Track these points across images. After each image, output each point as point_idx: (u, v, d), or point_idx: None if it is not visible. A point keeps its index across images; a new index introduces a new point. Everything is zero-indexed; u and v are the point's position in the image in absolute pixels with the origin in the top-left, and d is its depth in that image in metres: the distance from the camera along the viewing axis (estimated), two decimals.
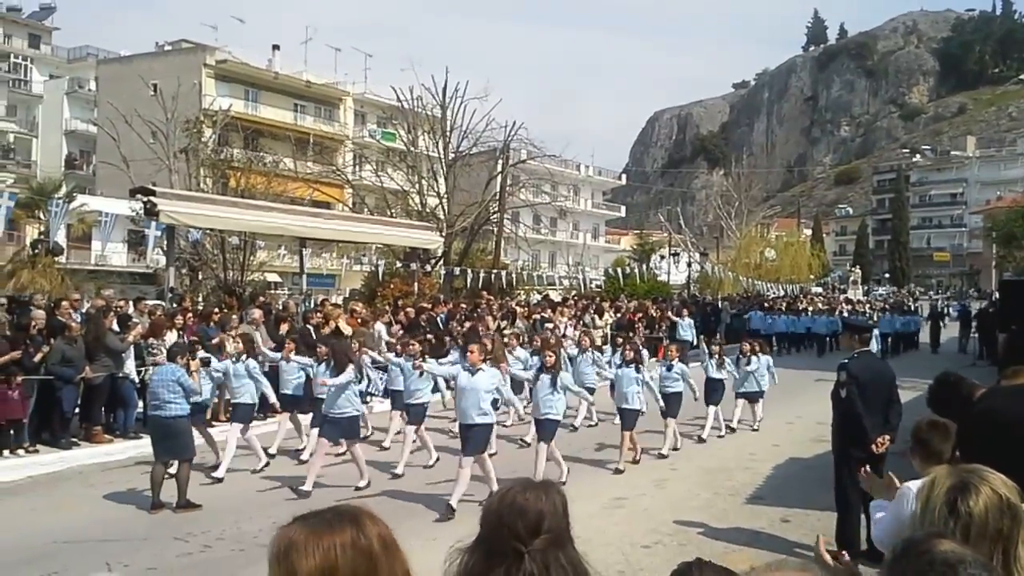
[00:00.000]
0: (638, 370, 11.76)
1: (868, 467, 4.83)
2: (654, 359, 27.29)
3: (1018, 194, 61.15)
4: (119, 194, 29.13)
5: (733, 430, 14.22)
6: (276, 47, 55.14)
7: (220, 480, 10.42)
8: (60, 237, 25.90)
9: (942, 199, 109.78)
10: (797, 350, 30.79)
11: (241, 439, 11.05)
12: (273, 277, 34.65)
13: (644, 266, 46.52)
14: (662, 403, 12.32)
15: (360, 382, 10.35)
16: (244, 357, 11.42)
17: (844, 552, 2.75)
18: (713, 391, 14.09)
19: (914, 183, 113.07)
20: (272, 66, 53.41)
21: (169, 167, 29.96)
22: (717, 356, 14.53)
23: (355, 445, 10.24)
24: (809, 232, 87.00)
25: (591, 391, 13.43)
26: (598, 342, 25.64)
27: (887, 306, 39.86)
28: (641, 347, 14.93)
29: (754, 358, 14.65)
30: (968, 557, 1.78)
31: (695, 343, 23.38)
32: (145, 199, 16.70)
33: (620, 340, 15.75)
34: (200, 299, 20.65)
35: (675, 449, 12.52)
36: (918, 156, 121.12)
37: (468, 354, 9.64)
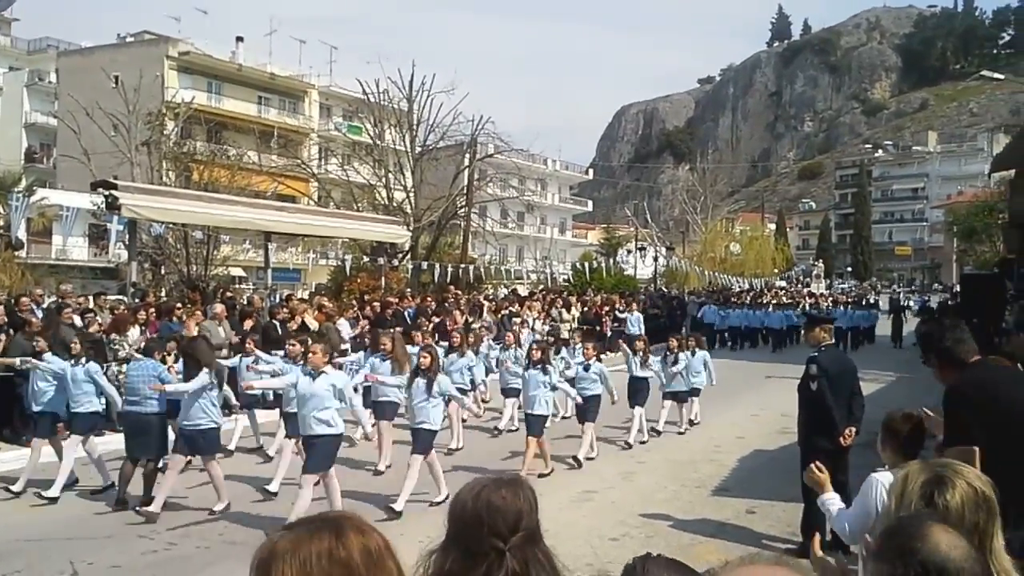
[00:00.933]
0: (545, 372, 10.81)
1: (816, 462, 4.82)
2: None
3: (979, 189, 62.14)
4: (80, 188, 28.69)
5: (658, 433, 13.31)
6: (240, 39, 54.67)
7: (54, 500, 9.25)
8: (20, 231, 25.44)
9: (904, 194, 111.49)
10: (753, 345, 30.50)
11: (82, 453, 9.86)
12: (238, 272, 34.34)
13: (611, 260, 46.72)
14: (571, 408, 12.04)
15: (214, 388, 8.97)
16: (84, 360, 9.94)
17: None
18: (636, 391, 12.97)
19: (876, 178, 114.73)
20: (236, 58, 52.88)
21: (131, 160, 29.51)
22: (642, 353, 13.38)
23: (211, 462, 8.95)
24: (773, 227, 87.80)
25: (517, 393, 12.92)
26: (564, 335, 25.88)
27: (848, 300, 40.14)
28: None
29: (683, 355, 13.55)
30: (962, 545, 1.79)
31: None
32: (106, 193, 16.44)
33: (550, 340, 14.85)
34: (163, 294, 20.36)
35: (589, 458, 11.42)
36: (880, 151, 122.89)
37: (310, 355, 8.57)
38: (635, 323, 25.51)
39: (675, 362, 13.41)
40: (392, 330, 12.91)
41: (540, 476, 10.19)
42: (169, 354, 10.29)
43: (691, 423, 14.13)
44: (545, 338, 17.74)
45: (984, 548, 2.15)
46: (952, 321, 4.73)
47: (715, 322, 30.06)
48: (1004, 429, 3.22)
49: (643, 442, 12.66)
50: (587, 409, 11.59)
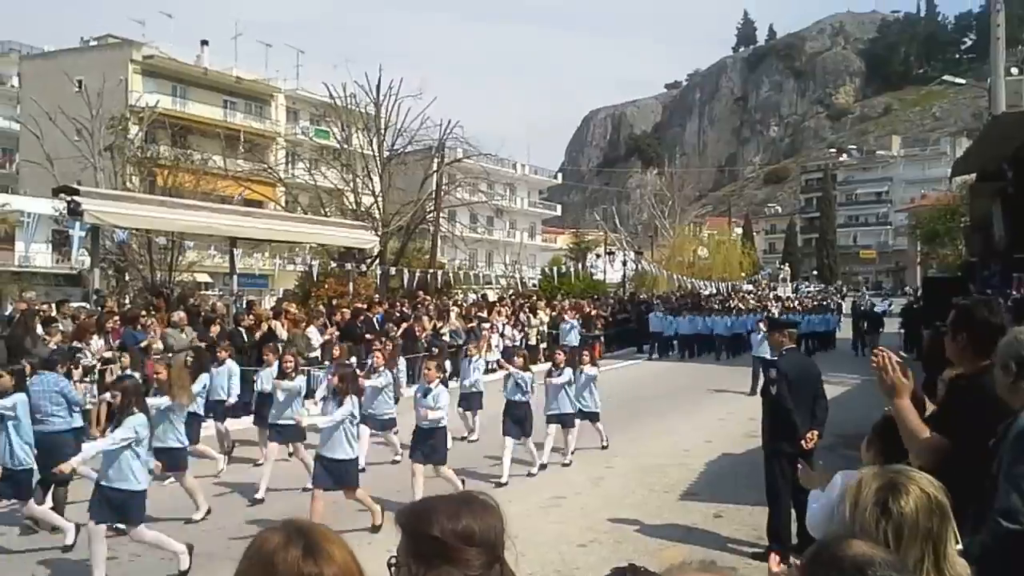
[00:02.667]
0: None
1: (802, 461, 4.81)
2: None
3: (941, 193, 63.09)
4: (43, 193, 28.30)
5: (544, 466, 11.30)
6: (205, 42, 54.22)
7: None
8: None
9: (868, 198, 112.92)
10: (708, 351, 28.80)
11: None
12: (203, 278, 33.99)
13: (580, 265, 46.86)
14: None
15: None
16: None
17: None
18: (515, 421, 10.89)
19: (841, 182, 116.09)
20: (201, 62, 52.42)
21: (94, 165, 29.18)
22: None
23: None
24: (740, 231, 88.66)
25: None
26: (532, 340, 25.89)
27: (807, 304, 39.82)
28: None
29: (567, 370, 11.58)
30: (878, 558, 1.80)
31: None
32: (69, 198, 16.22)
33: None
34: (127, 301, 20.12)
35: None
36: (845, 156, 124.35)
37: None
38: (569, 331, 24.21)
39: (560, 375, 11.51)
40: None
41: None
42: (77, 366, 9.88)
43: (578, 451, 12.06)
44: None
45: (938, 554, 2.17)
46: (996, 303, 4.33)
47: (661, 330, 29.01)
48: (986, 437, 3.24)
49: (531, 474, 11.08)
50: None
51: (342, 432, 8.26)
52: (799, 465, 4.80)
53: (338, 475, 8.30)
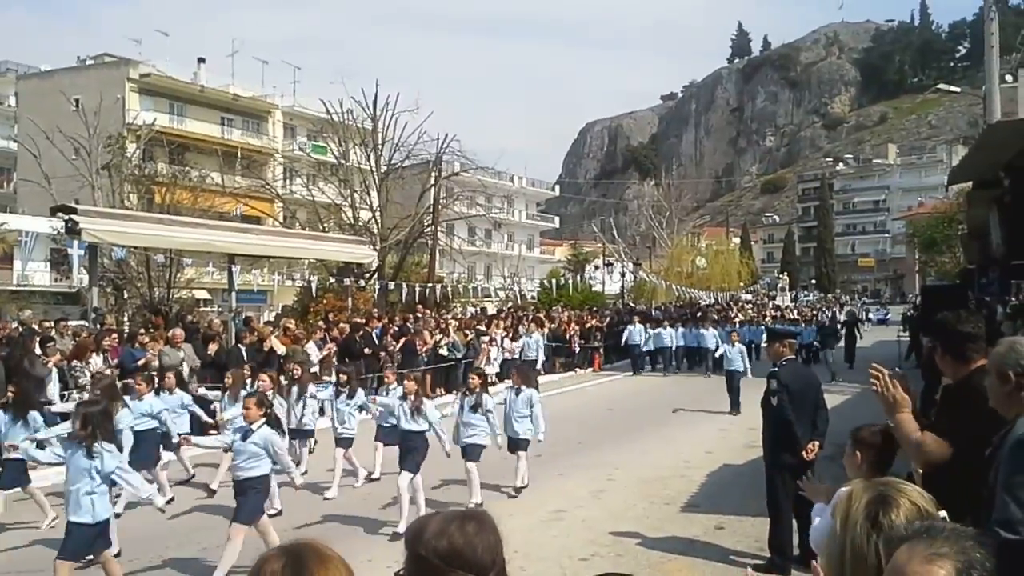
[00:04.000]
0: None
1: (809, 473, 4.81)
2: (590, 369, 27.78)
3: (938, 200, 63.16)
4: (40, 212, 28.32)
5: (479, 504, 9.47)
6: (202, 60, 54.42)
7: None
8: None
9: (865, 206, 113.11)
10: (694, 365, 27.18)
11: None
12: (202, 294, 34.00)
13: (579, 276, 46.86)
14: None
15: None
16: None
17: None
18: (409, 450, 9.41)
19: (838, 191, 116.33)
20: (197, 79, 52.57)
21: (92, 184, 29.20)
22: (412, 398, 9.66)
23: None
24: (738, 240, 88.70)
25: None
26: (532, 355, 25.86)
27: (806, 314, 39.16)
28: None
29: (486, 396, 10.36)
30: None
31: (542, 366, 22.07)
32: (66, 217, 16.21)
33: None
34: (125, 319, 20.11)
35: None
36: (841, 164, 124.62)
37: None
38: (533, 347, 22.23)
39: (474, 407, 10.12)
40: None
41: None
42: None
43: (515, 489, 10.78)
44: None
45: None
46: (968, 312, 4.47)
47: (640, 343, 27.14)
48: (983, 442, 3.25)
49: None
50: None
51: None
52: (805, 477, 4.81)
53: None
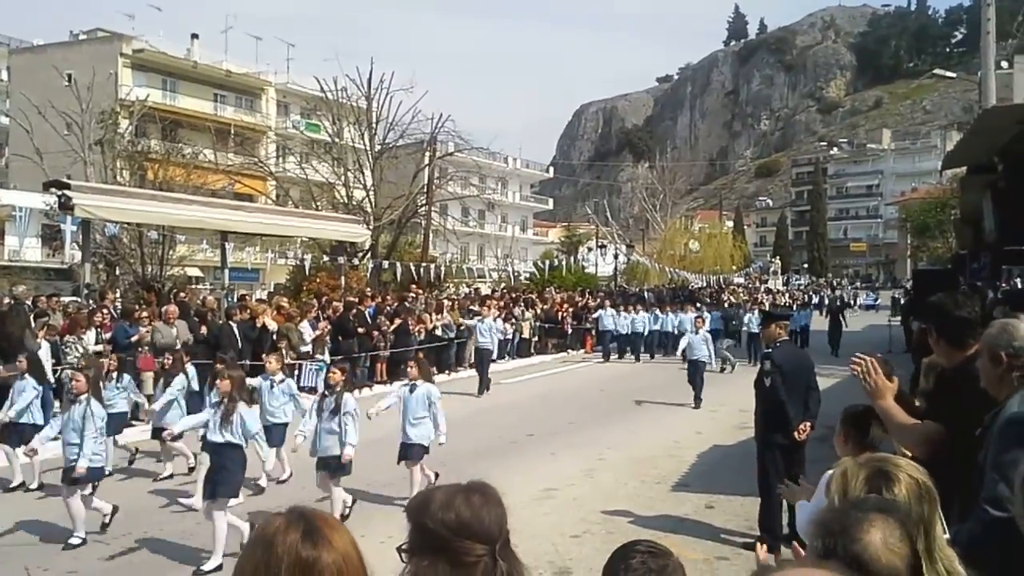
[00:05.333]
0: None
1: (786, 482, 4.83)
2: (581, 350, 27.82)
3: (931, 186, 63.30)
4: (33, 188, 28.20)
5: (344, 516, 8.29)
6: (195, 36, 54.00)
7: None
8: None
9: (858, 191, 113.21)
10: (665, 352, 25.75)
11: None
12: (194, 272, 33.92)
13: (572, 258, 46.90)
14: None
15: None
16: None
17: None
18: (217, 469, 7.60)
19: (832, 175, 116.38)
20: (191, 55, 52.22)
21: (84, 159, 29.09)
22: (227, 401, 7.65)
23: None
24: (731, 224, 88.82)
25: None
26: (525, 333, 25.86)
27: (798, 297, 38.63)
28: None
29: (348, 397, 8.62)
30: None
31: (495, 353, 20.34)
32: (59, 193, 16.13)
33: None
34: (118, 295, 20.06)
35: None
36: (835, 149, 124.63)
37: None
38: (487, 332, 19.36)
39: (334, 410, 8.38)
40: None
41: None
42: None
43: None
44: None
45: (929, 539, 2.20)
46: (965, 296, 4.41)
47: (612, 328, 26.04)
48: (974, 426, 3.28)
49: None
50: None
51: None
52: (783, 483, 4.85)
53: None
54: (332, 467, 8.32)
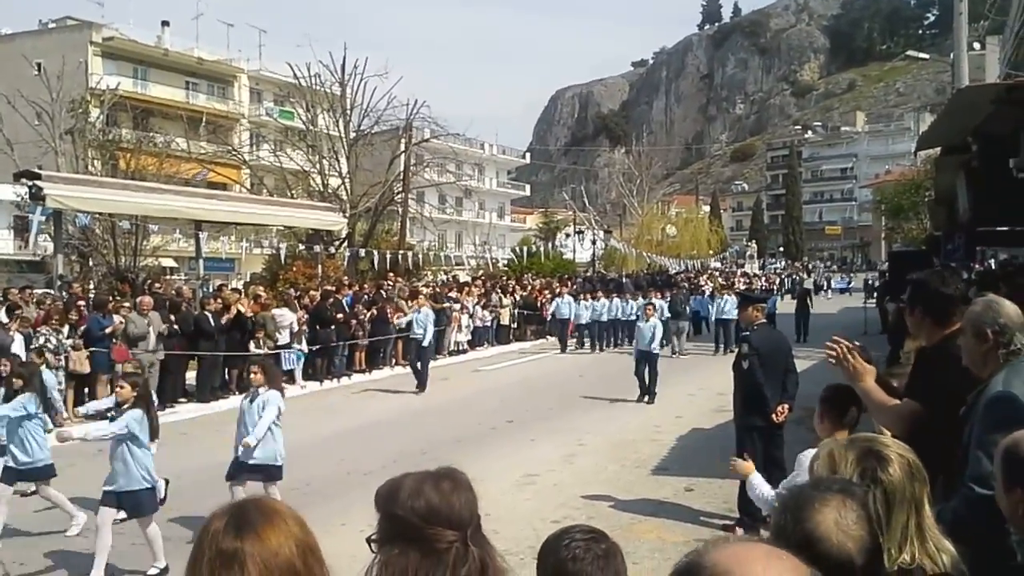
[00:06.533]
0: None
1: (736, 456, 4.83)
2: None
3: (905, 168, 63.73)
4: (3, 179, 27.76)
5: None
6: (165, 23, 53.36)
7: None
8: None
9: (833, 174, 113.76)
10: (619, 343, 24.97)
11: None
12: (169, 262, 33.60)
13: (550, 244, 46.90)
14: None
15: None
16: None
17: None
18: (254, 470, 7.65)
19: (806, 159, 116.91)
20: (162, 43, 51.58)
21: (55, 149, 28.68)
22: (262, 387, 7.71)
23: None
24: (707, 208, 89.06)
25: None
26: (504, 320, 25.84)
27: (774, 280, 37.82)
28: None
29: (273, 394, 7.75)
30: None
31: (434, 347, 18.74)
32: (30, 183, 15.94)
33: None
34: (91, 286, 19.85)
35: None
36: (810, 132, 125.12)
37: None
38: (423, 323, 17.29)
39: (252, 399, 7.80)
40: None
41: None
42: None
43: None
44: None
45: (920, 517, 2.19)
46: (949, 273, 4.37)
47: (568, 316, 25.01)
48: (956, 405, 3.28)
49: None
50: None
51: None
52: (732, 458, 4.88)
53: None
54: (268, 473, 7.61)
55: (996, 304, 3.28)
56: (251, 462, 7.60)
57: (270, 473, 7.70)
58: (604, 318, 24.95)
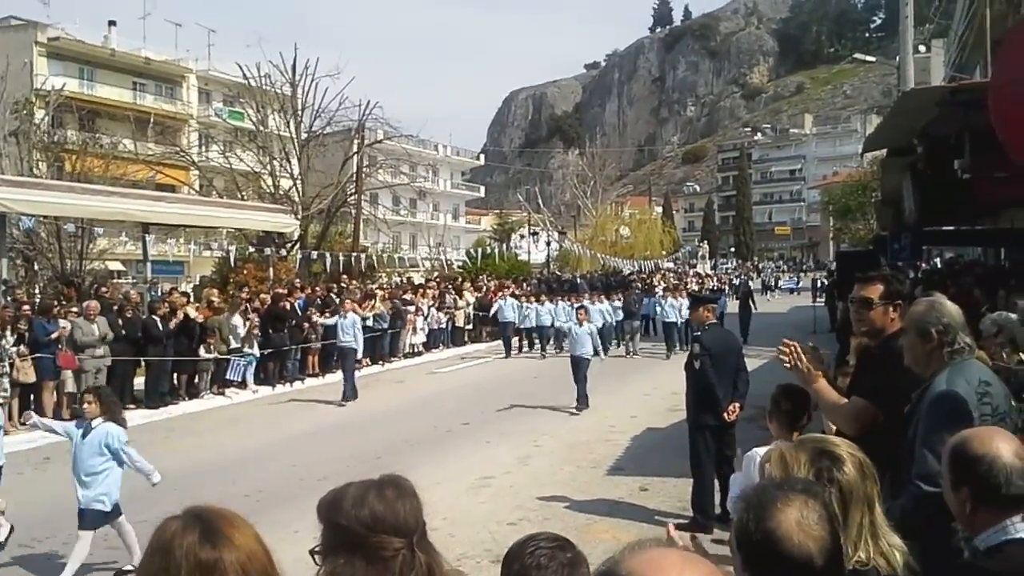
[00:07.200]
0: None
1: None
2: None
3: (852, 169, 64.89)
4: None
5: None
6: (112, 23, 52.39)
7: None
8: None
9: (782, 175, 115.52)
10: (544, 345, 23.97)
11: None
12: (116, 266, 32.96)
13: (504, 246, 46.94)
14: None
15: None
16: None
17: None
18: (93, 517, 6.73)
19: (756, 160, 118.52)
20: (108, 43, 50.63)
21: None
22: (96, 419, 6.76)
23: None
24: (660, 209, 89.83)
25: None
26: (460, 322, 25.81)
27: (725, 281, 37.00)
28: None
29: (97, 423, 6.70)
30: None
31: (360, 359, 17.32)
32: None
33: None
34: (36, 291, 19.40)
35: None
36: (759, 134, 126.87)
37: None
38: (349, 329, 16.34)
39: (97, 449, 6.76)
40: None
41: None
42: None
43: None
44: None
45: (872, 515, 2.21)
46: (896, 272, 4.48)
47: (513, 320, 24.19)
48: (902, 401, 3.33)
49: None
50: None
51: None
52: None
53: None
54: (104, 519, 6.73)
55: (939, 304, 3.34)
56: (85, 507, 6.63)
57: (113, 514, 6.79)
58: (548, 322, 23.67)
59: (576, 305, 18.93)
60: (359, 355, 16.84)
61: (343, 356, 16.59)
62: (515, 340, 24.72)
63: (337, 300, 20.19)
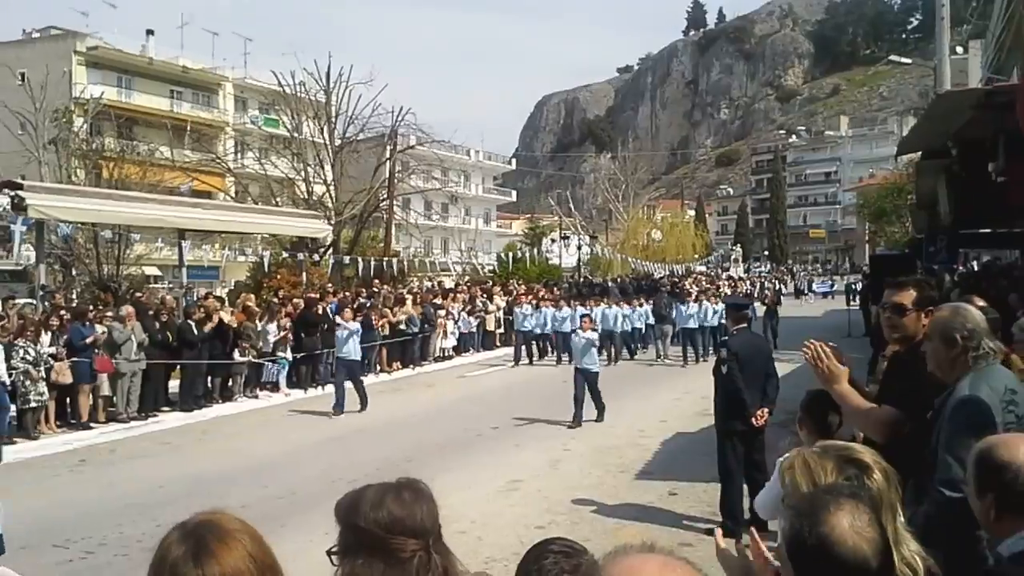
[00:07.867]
0: None
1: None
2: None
3: (888, 172, 64.07)
4: None
5: None
6: (150, 32, 53.30)
7: None
8: None
9: (817, 178, 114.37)
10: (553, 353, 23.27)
11: None
12: (152, 271, 33.45)
13: (535, 250, 46.88)
14: None
15: None
16: None
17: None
18: None
19: (790, 163, 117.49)
20: (146, 52, 51.47)
21: (38, 159, 28.59)
22: None
23: None
24: (693, 213, 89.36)
25: None
26: (490, 327, 25.85)
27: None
28: None
29: None
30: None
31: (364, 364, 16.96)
32: (12, 193, 15.84)
33: None
34: (74, 296, 19.73)
35: None
36: (794, 137, 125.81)
37: None
38: (347, 342, 15.68)
39: None
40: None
41: None
42: None
43: None
44: None
45: (896, 524, 2.21)
46: (926, 278, 4.43)
47: (531, 327, 23.44)
48: (928, 408, 3.30)
49: None
50: None
51: None
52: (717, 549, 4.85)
53: None
54: None
55: (964, 309, 3.31)
56: None
57: None
58: (566, 328, 21.78)
59: (581, 313, 18.13)
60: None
61: (341, 367, 15.80)
62: (523, 348, 23.33)
63: (368, 305, 20.35)
